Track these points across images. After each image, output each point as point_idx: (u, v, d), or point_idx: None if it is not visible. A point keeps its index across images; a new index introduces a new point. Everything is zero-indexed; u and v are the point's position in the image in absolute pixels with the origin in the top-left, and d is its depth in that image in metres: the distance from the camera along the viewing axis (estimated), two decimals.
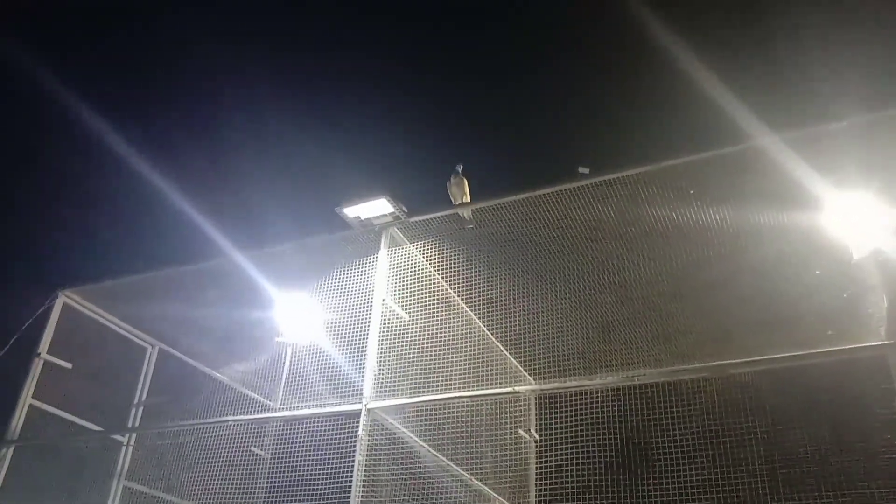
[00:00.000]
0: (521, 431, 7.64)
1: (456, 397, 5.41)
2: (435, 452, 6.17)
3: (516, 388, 5.17)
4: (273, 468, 7.49)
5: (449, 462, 6.24)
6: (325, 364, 6.64)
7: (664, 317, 7.01)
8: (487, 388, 5.38)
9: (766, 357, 6.14)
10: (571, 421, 7.40)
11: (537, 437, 7.84)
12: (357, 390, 5.73)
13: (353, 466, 5.38)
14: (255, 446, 7.58)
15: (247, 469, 7.19)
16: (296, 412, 5.94)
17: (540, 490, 7.66)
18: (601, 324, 7.15)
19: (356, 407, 5.53)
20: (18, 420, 6.66)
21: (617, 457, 7.22)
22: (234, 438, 7.21)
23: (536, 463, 7.85)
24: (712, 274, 6.72)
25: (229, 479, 6.98)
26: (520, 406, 7.90)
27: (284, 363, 7.76)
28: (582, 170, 5.58)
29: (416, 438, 5.90)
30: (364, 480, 5.40)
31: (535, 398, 7.98)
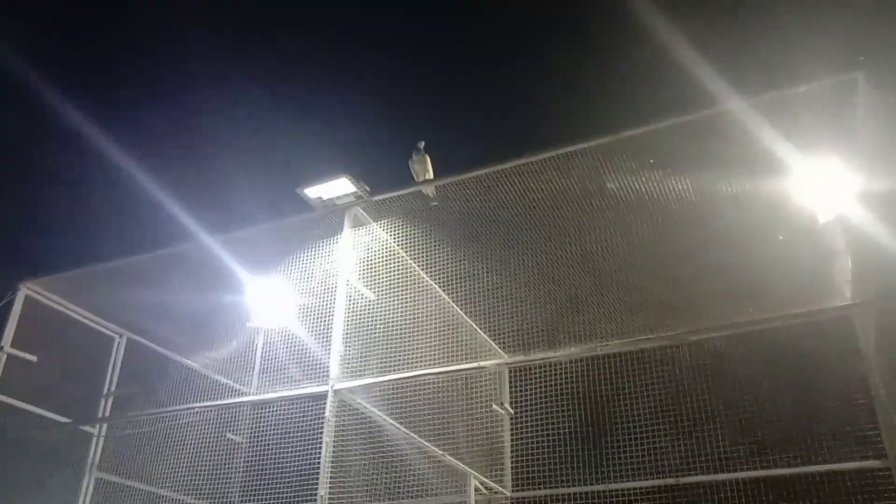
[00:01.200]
0: (494, 406, 7.65)
1: (420, 375, 5.39)
2: (407, 430, 6.16)
3: (482, 364, 5.14)
4: (250, 453, 7.47)
5: (421, 440, 6.22)
6: (297, 347, 6.61)
7: (630, 288, 7.03)
8: (452, 365, 5.33)
9: (732, 322, 6.21)
10: (542, 393, 7.47)
11: (511, 410, 7.88)
12: (326, 372, 5.69)
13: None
14: (230, 432, 7.55)
15: (223, 455, 7.15)
16: (263, 396, 5.90)
17: (515, 463, 7.73)
18: (568, 296, 7.16)
19: (323, 388, 5.49)
20: None
21: (587, 427, 7.30)
22: (208, 425, 7.17)
23: (512, 437, 7.91)
24: (678, 244, 6.74)
25: (204, 465, 6.94)
26: (493, 381, 7.92)
27: (257, 348, 7.71)
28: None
29: (387, 418, 5.87)
30: (334, 461, 5.38)
31: (509, 372, 8.02)
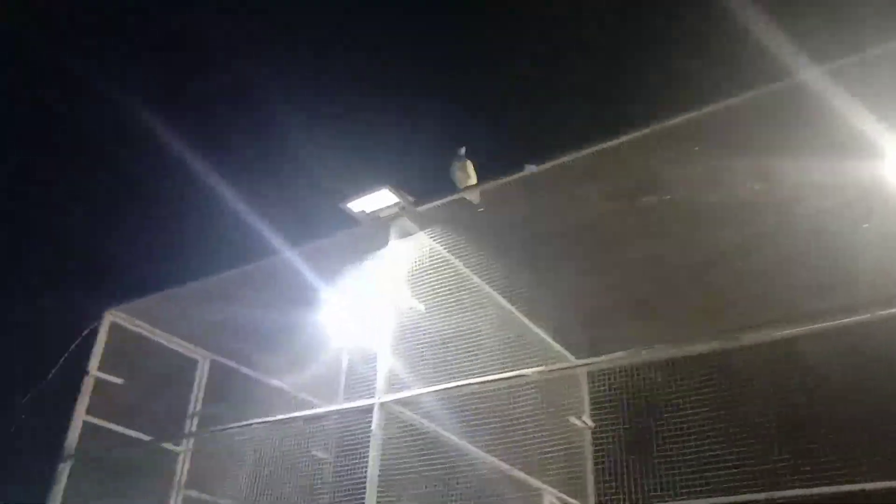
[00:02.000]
0: (571, 419, 7.32)
1: (463, 385, 5.20)
2: (470, 445, 6.00)
3: (523, 372, 4.90)
4: (336, 469, 7.51)
5: (487, 455, 6.03)
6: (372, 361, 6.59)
7: (707, 288, 6.57)
8: (492, 374, 5.12)
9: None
10: (626, 402, 7.09)
11: (591, 423, 7.52)
12: (400, 385, 5.62)
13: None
14: (316, 449, 7.62)
15: (308, 472, 7.21)
16: (315, 411, 5.90)
17: (598, 478, 7.36)
18: (639, 300, 6.79)
19: (369, 402, 5.42)
20: (73, 436, 6.95)
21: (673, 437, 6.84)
22: (293, 441, 7.26)
23: (594, 449, 7.53)
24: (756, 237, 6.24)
25: (289, 482, 7.02)
26: (570, 390, 7.61)
27: (341, 364, 7.78)
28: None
29: (444, 432, 5.73)
30: (387, 478, 5.30)
31: (588, 381, 7.68)
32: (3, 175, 10.21)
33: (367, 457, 5.29)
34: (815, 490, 5.98)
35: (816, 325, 5.25)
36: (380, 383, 5.47)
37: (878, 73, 4.73)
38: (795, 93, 4.91)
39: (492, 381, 5.06)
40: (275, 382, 8.42)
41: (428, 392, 5.24)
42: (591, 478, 7.34)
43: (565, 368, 5.01)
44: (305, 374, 8.05)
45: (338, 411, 5.74)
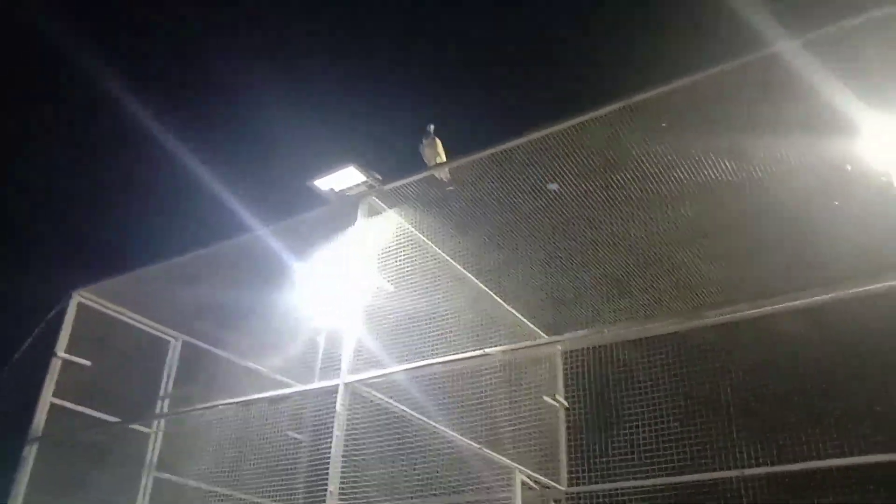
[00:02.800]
0: (545, 398, 7.29)
1: (427, 364, 5.15)
2: (437, 425, 5.95)
3: (487, 351, 4.84)
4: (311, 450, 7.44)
5: (454, 433, 5.99)
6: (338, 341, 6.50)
7: (676, 267, 6.52)
8: (458, 354, 5.06)
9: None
10: (599, 381, 7.05)
11: (565, 403, 7.49)
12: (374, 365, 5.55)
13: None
14: (290, 430, 7.54)
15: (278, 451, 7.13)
16: (281, 392, 5.84)
17: (571, 457, 7.34)
18: (611, 279, 6.73)
19: (334, 382, 5.36)
20: (40, 418, 6.86)
21: (648, 415, 6.81)
22: (265, 422, 7.18)
23: (568, 428, 7.50)
24: (729, 216, 6.18)
25: (257, 462, 6.95)
26: (545, 370, 7.57)
27: (319, 346, 7.69)
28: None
29: (411, 411, 5.68)
30: (352, 457, 5.26)
31: (562, 359, 7.64)
32: None
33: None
34: (785, 468, 5.96)
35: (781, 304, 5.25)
36: (344, 364, 5.41)
37: (854, 46, 4.63)
38: (768, 66, 4.80)
39: (456, 360, 5.00)
40: (250, 364, 8.34)
41: (392, 372, 5.17)
42: (563, 457, 7.32)
43: (528, 347, 4.94)
44: (280, 355, 7.97)
45: (301, 392, 5.66)
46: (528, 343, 4.89)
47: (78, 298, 7.35)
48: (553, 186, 5.70)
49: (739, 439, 6.40)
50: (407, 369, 5.14)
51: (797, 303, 6.50)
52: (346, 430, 5.42)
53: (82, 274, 7.32)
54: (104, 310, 7.52)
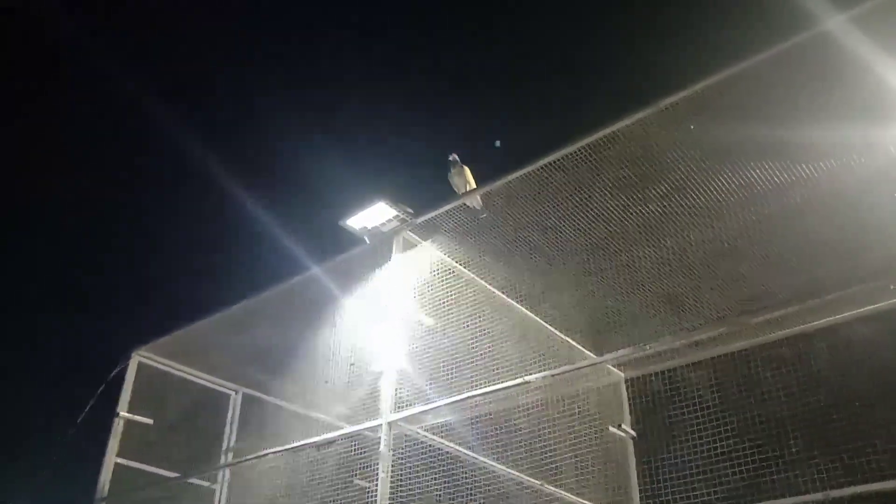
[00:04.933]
0: (610, 429, 6.96)
1: (467, 398, 4.96)
2: (493, 463, 5.75)
3: (527, 378, 4.63)
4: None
5: (509, 471, 5.76)
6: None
7: (734, 280, 6.16)
8: (497, 384, 4.86)
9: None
10: (670, 408, 6.70)
11: (633, 433, 7.14)
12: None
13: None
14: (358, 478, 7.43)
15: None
16: (325, 437, 5.73)
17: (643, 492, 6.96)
18: (664, 297, 6.42)
19: (377, 423, 5.23)
20: (105, 478, 6.95)
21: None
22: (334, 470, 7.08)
23: (637, 460, 7.13)
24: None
25: None
26: (608, 399, 7.26)
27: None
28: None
29: (462, 449, 5.50)
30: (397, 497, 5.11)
31: (628, 387, 7.32)
32: None
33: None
34: (871, 487, 5.49)
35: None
36: (385, 402, 5.28)
37: None
38: (811, 48, 4.41)
39: (496, 390, 4.79)
40: (313, 413, 8.29)
41: (435, 407, 5.01)
42: (636, 493, 6.95)
43: (569, 371, 4.69)
44: (341, 400, 7.90)
45: (345, 435, 5.55)
46: (567, 367, 4.64)
47: (138, 358, 7.49)
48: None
49: (821, 458, 5.96)
50: (448, 403, 4.96)
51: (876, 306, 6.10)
52: (398, 472, 5.32)
53: (136, 329, 7.46)
54: (163, 367, 7.64)
